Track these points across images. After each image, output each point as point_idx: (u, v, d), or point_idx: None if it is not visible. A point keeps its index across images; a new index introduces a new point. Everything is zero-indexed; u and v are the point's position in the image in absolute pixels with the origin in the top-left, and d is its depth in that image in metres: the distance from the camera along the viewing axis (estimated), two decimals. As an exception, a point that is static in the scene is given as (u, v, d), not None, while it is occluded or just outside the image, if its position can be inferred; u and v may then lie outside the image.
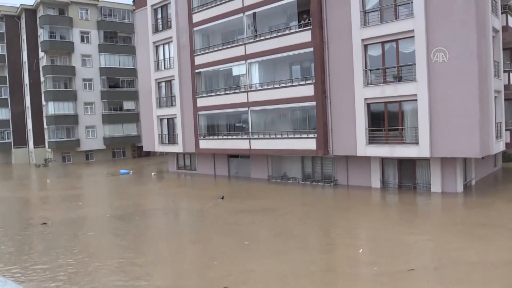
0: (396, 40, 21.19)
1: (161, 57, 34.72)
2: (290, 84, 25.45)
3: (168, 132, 34.83)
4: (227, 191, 25.96)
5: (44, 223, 19.23)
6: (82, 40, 50.93)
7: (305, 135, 24.85)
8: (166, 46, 34.14)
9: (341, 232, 15.91)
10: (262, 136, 27.04)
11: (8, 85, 56.37)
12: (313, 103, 24.18)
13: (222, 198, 22.67)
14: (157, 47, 35.00)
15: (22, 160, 56.05)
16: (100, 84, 51.58)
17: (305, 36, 24.25)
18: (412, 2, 20.41)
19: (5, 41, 56.02)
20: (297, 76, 26.54)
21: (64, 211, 22.37)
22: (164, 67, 34.35)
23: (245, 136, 28.02)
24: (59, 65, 50.11)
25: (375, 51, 22.25)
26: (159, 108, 35.06)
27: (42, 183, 37.09)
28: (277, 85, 25.94)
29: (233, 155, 31.32)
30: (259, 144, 27.25)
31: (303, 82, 24.78)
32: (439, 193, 21.41)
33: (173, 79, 33.37)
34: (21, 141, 56.31)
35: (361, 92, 22.33)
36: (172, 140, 34.45)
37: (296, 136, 25.28)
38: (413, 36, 20.36)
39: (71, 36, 50.27)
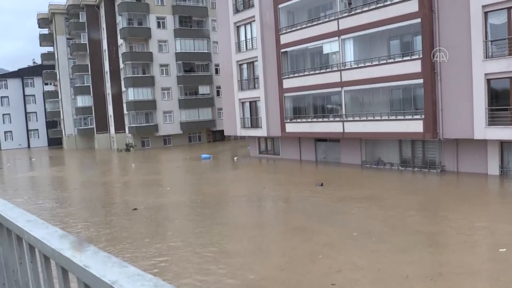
0: (529, 4, 18.20)
1: (242, 38, 33.53)
2: (392, 60, 23.12)
3: (251, 116, 33.76)
4: (319, 177, 24.41)
5: (135, 209, 18.93)
6: (158, 26, 51.15)
7: (409, 117, 22.54)
8: (248, 26, 32.85)
9: (469, 226, 13.70)
10: (357, 119, 25.03)
11: (90, 73, 58.41)
12: (420, 81, 21.75)
13: (321, 185, 21.14)
14: (238, 28, 33.83)
15: (104, 145, 58.16)
16: (176, 69, 51.72)
17: (410, 6, 21.74)
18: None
19: (86, 30, 57.94)
20: (396, 51, 24.14)
21: (154, 197, 22.07)
22: (246, 48, 33.15)
23: (338, 119, 26.16)
24: (137, 51, 50.80)
25: (498, 19, 19.35)
26: (241, 91, 34.03)
27: (128, 168, 37.75)
28: (376, 62, 23.71)
29: (320, 139, 29.60)
30: (353, 127, 25.30)
31: (407, 58, 22.36)
32: None
33: (256, 60, 32.09)
34: (103, 126, 58.38)
35: (480, 67, 19.59)
36: (255, 124, 33.35)
37: (399, 117, 23.02)
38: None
39: (148, 22, 50.66)
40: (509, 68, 18.74)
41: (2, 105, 75.65)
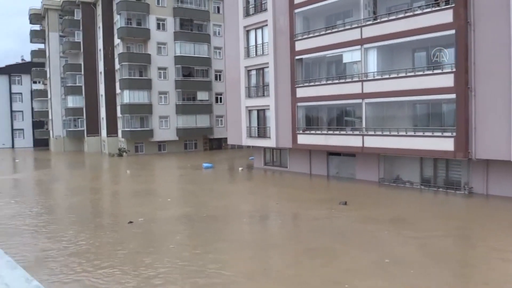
0: None
1: (252, 43, 31.91)
2: (420, 73, 21.72)
3: (258, 125, 32.04)
4: (336, 193, 22.84)
5: (131, 222, 17.10)
6: (158, 28, 49.27)
7: (438, 134, 21.12)
8: (259, 31, 31.28)
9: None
10: (379, 133, 23.52)
11: (82, 72, 56.08)
12: (452, 96, 20.36)
13: (345, 203, 19.48)
14: (248, 32, 32.23)
15: (94, 149, 55.69)
16: (174, 73, 49.80)
17: (444, 16, 20.41)
18: None
19: (81, 28, 55.73)
20: (422, 64, 22.82)
21: (153, 208, 20.24)
22: (256, 54, 31.53)
23: (357, 132, 24.63)
24: (135, 52, 48.79)
25: (542, 33, 18.12)
26: (249, 98, 32.33)
27: (122, 174, 35.59)
28: (402, 74, 22.29)
29: (333, 153, 28.03)
30: (374, 142, 23.78)
31: (438, 71, 20.99)
32: None
33: (267, 67, 30.47)
34: (94, 129, 55.96)
35: (522, 83, 18.30)
36: (262, 133, 31.65)
37: (426, 134, 21.57)
38: None
39: (147, 23, 48.76)
40: (554, 87, 17.47)
41: (-14, 102, 72.48)
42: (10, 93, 73.04)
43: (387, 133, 23.13)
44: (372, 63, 23.70)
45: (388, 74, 22.94)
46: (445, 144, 20.69)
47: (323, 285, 10.54)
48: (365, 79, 23.91)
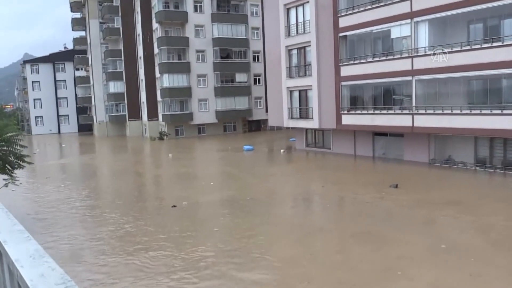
0: None
1: (293, 21, 30.91)
2: (477, 46, 20.22)
3: (300, 106, 31.26)
4: (385, 175, 21.97)
5: (174, 206, 17.00)
6: (195, 10, 48.86)
7: (497, 111, 19.69)
8: (300, 9, 30.20)
9: None
10: (430, 112, 22.28)
11: (122, 58, 56.79)
12: (514, 70, 18.85)
13: (396, 186, 18.61)
14: (288, 10, 31.21)
15: (136, 133, 56.65)
16: (212, 55, 49.46)
17: (505, -18, 18.80)
18: None
19: (119, 14, 56.20)
20: (477, 37, 21.27)
21: (196, 192, 20.14)
22: (297, 32, 30.54)
23: (406, 111, 23.46)
24: (173, 36, 48.72)
25: None
26: (290, 78, 31.53)
27: (164, 158, 35.90)
28: (457, 48, 20.84)
29: (380, 133, 26.96)
30: (424, 121, 22.59)
31: (497, 44, 19.44)
32: None
33: (309, 46, 29.47)
34: (135, 113, 56.84)
35: None
36: (304, 114, 30.87)
37: (484, 112, 20.17)
38: None
39: (184, 6, 48.43)
40: None
41: (33, 89, 75.17)
42: (55, 81, 75.37)
43: (440, 111, 21.85)
44: (423, 37, 22.32)
45: (442, 48, 21.53)
46: (505, 122, 19.28)
47: (374, 272, 9.96)
48: (415, 55, 22.59)
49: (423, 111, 22.58)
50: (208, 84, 49.65)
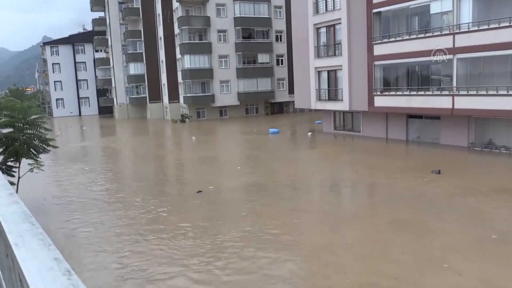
0: None
1: (321, -3, 29.42)
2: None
3: (329, 87, 29.97)
4: (422, 161, 20.77)
5: (200, 191, 16.21)
6: (217, -13, 47.46)
7: (550, 91, 18.21)
8: (329, -16, 28.68)
9: None
10: (473, 93, 20.83)
11: (142, 39, 55.92)
12: None
13: (439, 172, 17.43)
14: (316, -14, 29.70)
15: (156, 115, 56.10)
16: (234, 36, 48.16)
17: None
18: None
19: (139, -7, 55.09)
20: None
21: (223, 177, 19.33)
22: (326, 10, 29.08)
23: (446, 92, 22.04)
24: (194, 15, 47.51)
25: None
26: (318, 58, 30.19)
27: (187, 141, 35.19)
28: (506, 24, 19.24)
29: (414, 115, 25.60)
30: (466, 103, 21.17)
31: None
32: None
33: (339, 23, 28.02)
34: (156, 96, 56.19)
35: None
36: (333, 96, 29.61)
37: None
38: None
39: (205, -16, 47.06)
40: None
41: (53, 71, 75.16)
42: (75, 63, 75.12)
43: (484, 92, 20.39)
44: (467, 12, 20.74)
45: (487, 24, 19.95)
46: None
47: (416, 264, 9.09)
48: (457, 31, 21.06)
49: (465, 92, 21.15)
50: (230, 65, 48.51)
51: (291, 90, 51.19)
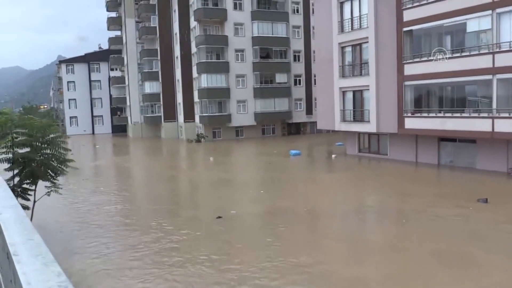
0: None
1: (347, 15, 28.55)
2: None
3: (354, 108, 28.81)
4: (459, 187, 19.50)
5: (220, 217, 15.07)
6: (235, 7, 47.08)
7: None
8: (356, 2, 27.81)
9: None
10: (516, 115, 19.53)
11: (159, 58, 55.61)
12: None
13: (486, 201, 16.02)
14: (342, 4, 28.88)
15: (171, 135, 55.26)
16: (252, 55, 47.52)
17: None
18: None
19: (156, 13, 55.06)
20: None
21: (246, 201, 18.15)
22: (352, 28, 28.16)
23: (485, 115, 20.75)
24: (212, 34, 47.08)
25: None
26: (343, 78, 29.15)
27: (205, 162, 34.06)
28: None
29: (446, 138, 24.27)
30: (507, 126, 19.83)
31: None
32: None
33: (366, 42, 27.04)
34: (171, 115, 55.47)
35: None
36: (359, 117, 28.42)
37: None
38: None
39: (224, 3, 46.74)
40: None
41: (68, 89, 75.30)
42: (90, 81, 75.21)
43: (528, 114, 19.09)
44: (508, 30, 19.60)
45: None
46: None
47: None
48: (497, 50, 19.89)
49: (506, 114, 19.84)
50: (247, 85, 47.74)
51: (308, 111, 50.31)
